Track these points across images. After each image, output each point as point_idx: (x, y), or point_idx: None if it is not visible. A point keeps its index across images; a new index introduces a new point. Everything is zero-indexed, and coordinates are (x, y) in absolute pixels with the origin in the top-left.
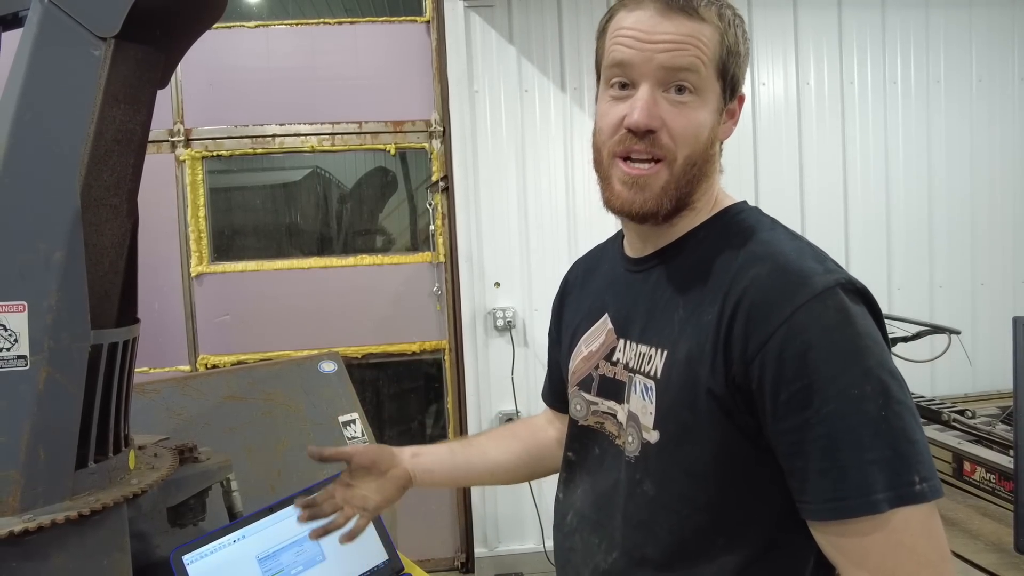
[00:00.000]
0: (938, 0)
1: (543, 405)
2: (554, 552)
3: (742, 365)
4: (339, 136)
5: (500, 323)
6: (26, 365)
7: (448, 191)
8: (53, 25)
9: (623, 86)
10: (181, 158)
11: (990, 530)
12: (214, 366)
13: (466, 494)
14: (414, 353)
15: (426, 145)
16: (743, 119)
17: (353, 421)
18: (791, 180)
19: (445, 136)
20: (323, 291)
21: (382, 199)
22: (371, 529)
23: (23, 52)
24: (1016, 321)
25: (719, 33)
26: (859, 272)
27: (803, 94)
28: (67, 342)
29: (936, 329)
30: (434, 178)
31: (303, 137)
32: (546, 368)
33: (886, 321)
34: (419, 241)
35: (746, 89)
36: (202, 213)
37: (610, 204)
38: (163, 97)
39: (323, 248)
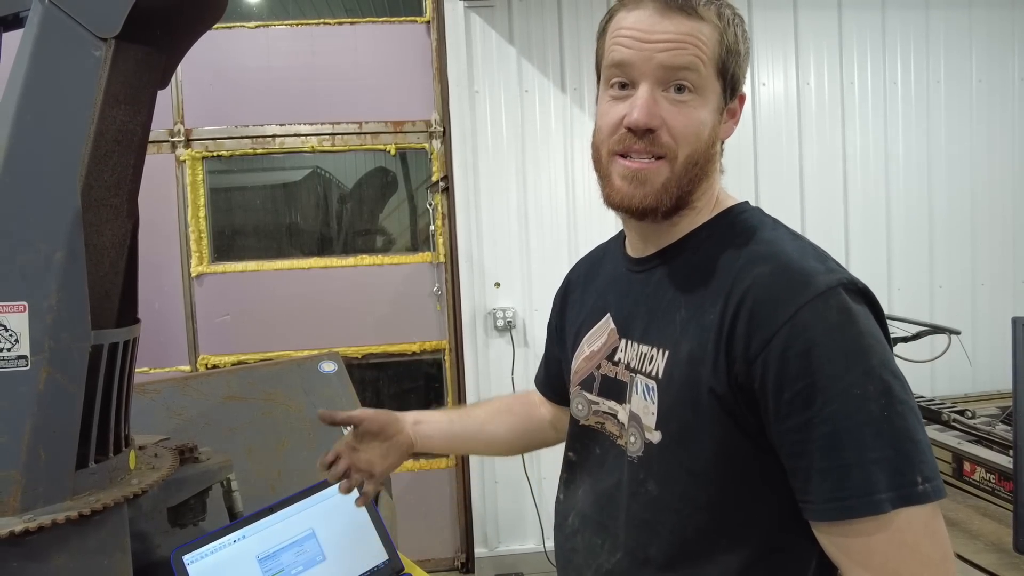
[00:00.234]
0: (938, 1)
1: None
2: (555, 553)
3: (744, 364)
4: (339, 136)
5: (500, 323)
6: (27, 365)
7: (448, 191)
8: (54, 26)
9: (623, 86)
10: (181, 158)
11: (990, 530)
12: (214, 366)
13: (466, 494)
14: (414, 353)
15: (426, 145)
16: (743, 120)
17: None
18: (791, 181)
19: (445, 136)
20: (323, 291)
21: (382, 199)
22: (371, 529)
23: (24, 53)
24: (1015, 321)
25: (718, 32)
26: (859, 272)
27: (803, 95)
28: (67, 342)
29: (936, 329)
30: (434, 178)
31: (303, 137)
32: (542, 360)
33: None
34: (419, 241)
35: (746, 90)
36: (202, 213)
37: (610, 200)
38: (163, 97)
39: (323, 248)
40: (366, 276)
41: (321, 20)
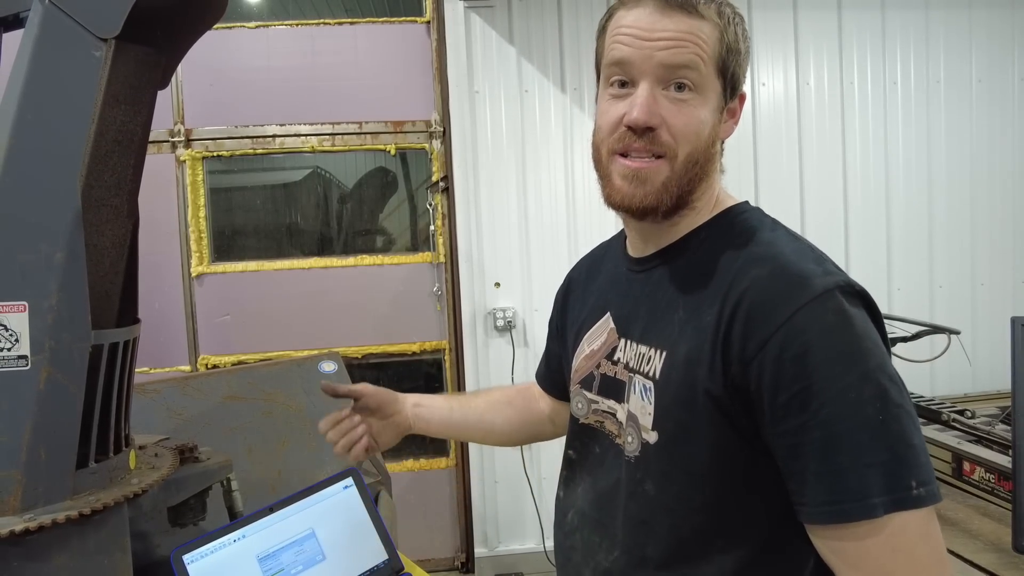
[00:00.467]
0: (938, 1)
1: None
2: (555, 550)
3: (740, 366)
4: (339, 136)
5: (500, 323)
6: (27, 365)
7: (448, 191)
8: (54, 26)
9: (623, 84)
10: (181, 158)
11: (990, 530)
12: (214, 366)
13: (466, 494)
14: (414, 353)
15: (426, 145)
16: (743, 120)
17: None
18: (791, 181)
19: (445, 136)
20: (323, 291)
21: (382, 199)
22: (371, 528)
23: (24, 53)
24: (1014, 321)
25: (719, 31)
26: (859, 272)
27: (803, 95)
28: (68, 342)
29: (936, 329)
30: (434, 178)
31: (303, 137)
32: (543, 355)
33: (886, 321)
34: (419, 241)
35: (746, 90)
36: (202, 213)
37: (610, 200)
38: (163, 97)
39: (323, 248)
40: (366, 276)
41: (321, 20)
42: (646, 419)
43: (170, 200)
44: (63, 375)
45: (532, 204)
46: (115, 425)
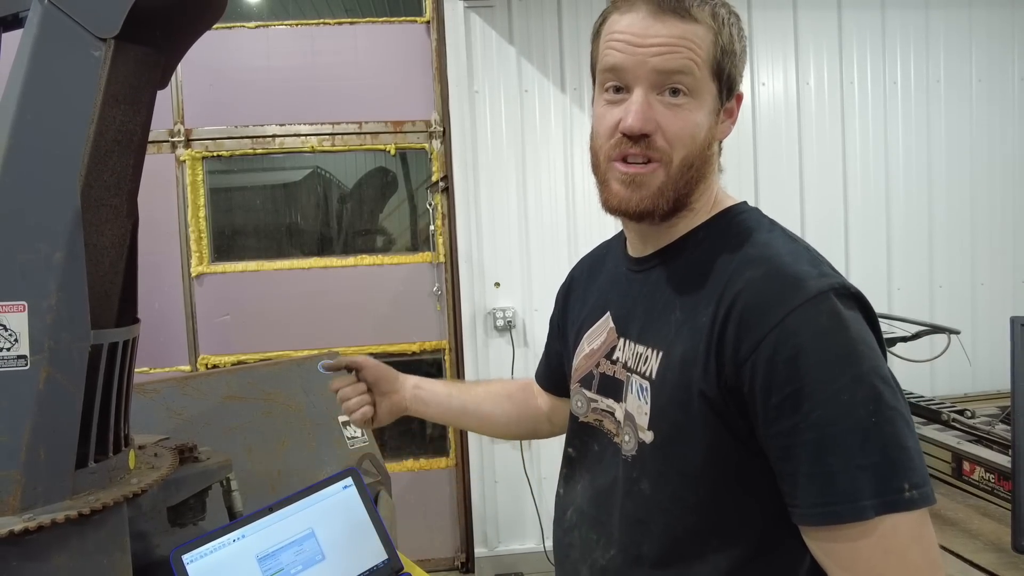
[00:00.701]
0: (938, 1)
1: None
2: (553, 547)
3: (734, 368)
4: (339, 136)
5: (500, 323)
6: (26, 365)
7: (448, 191)
8: (53, 26)
9: (617, 90)
10: (181, 158)
11: (989, 529)
12: (214, 366)
13: (466, 494)
14: (414, 353)
15: (426, 145)
16: (743, 119)
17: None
18: (791, 180)
19: (445, 136)
20: (323, 291)
21: (382, 199)
22: (370, 528)
23: (23, 53)
24: (1014, 321)
25: (713, 33)
26: (858, 272)
27: (803, 94)
28: (67, 342)
29: (936, 329)
30: (434, 178)
31: (303, 137)
32: (543, 353)
33: (885, 321)
34: (419, 241)
35: (746, 89)
36: (202, 213)
37: (608, 204)
38: (163, 97)
39: (323, 248)
40: (366, 276)
41: (321, 20)
42: (642, 419)
43: (170, 200)
44: (62, 375)
45: (532, 204)
46: (115, 425)
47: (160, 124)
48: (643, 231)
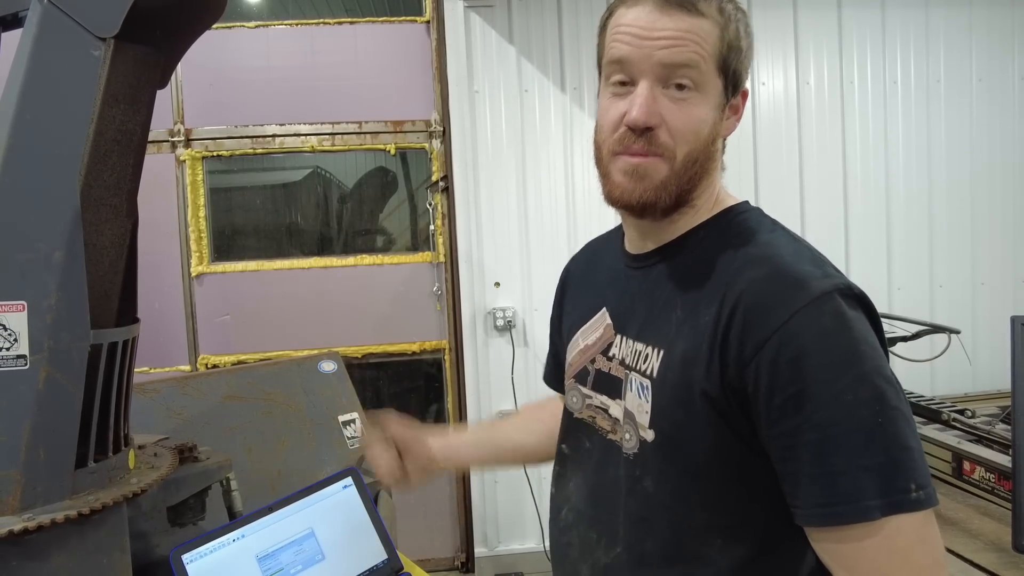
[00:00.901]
0: (938, 0)
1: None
2: (550, 546)
3: (737, 368)
4: (339, 136)
5: (500, 323)
6: (26, 365)
7: (448, 191)
8: (53, 25)
9: (623, 83)
10: (181, 158)
11: (990, 529)
12: (214, 366)
13: (466, 494)
14: (414, 353)
15: (426, 145)
16: (743, 118)
17: (353, 421)
18: (791, 180)
19: (445, 136)
20: (323, 291)
21: (382, 199)
22: (370, 528)
23: (23, 52)
24: (1015, 320)
25: (719, 28)
26: (859, 271)
27: (803, 94)
28: (67, 342)
29: (936, 328)
30: (434, 178)
31: (303, 137)
32: (548, 354)
33: (886, 321)
34: (419, 241)
35: (747, 87)
36: (202, 213)
37: (610, 196)
38: (163, 97)
39: (323, 248)
40: (366, 276)
41: (321, 20)
42: (643, 417)
43: (170, 200)
44: (62, 375)
45: (532, 204)
46: (114, 425)
47: (160, 124)
48: (643, 227)
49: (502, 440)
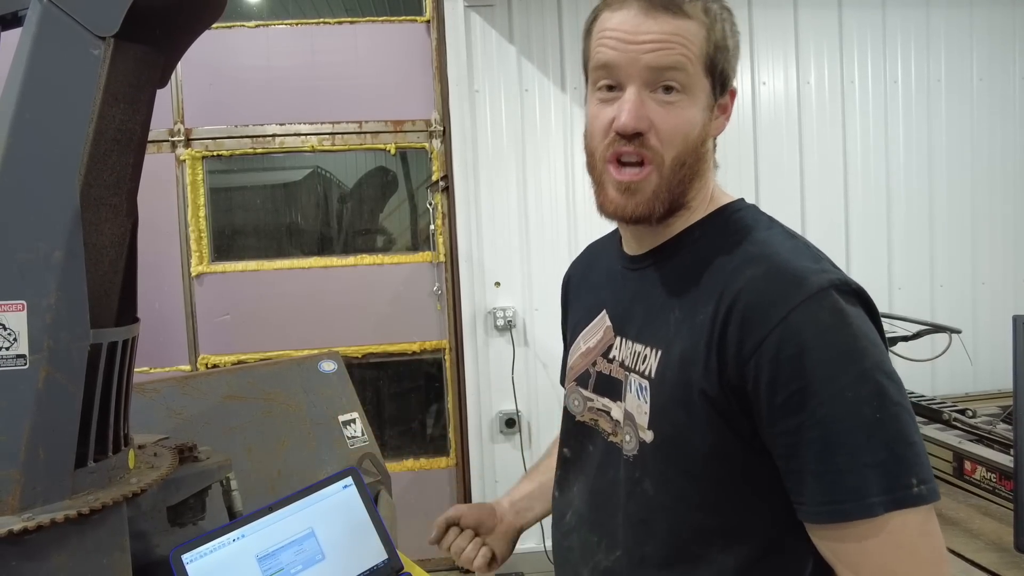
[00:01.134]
0: (939, 0)
1: (544, 405)
2: (553, 550)
3: (736, 367)
4: (339, 136)
5: (500, 323)
6: (25, 364)
7: (448, 191)
8: (52, 24)
9: (610, 88)
10: (181, 158)
11: (991, 529)
12: (214, 366)
13: (466, 494)
14: (414, 353)
15: (426, 145)
16: (744, 118)
17: (353, 421)
18: (791, 179)
19: (445, 136)
20: (323, 291)
21: (382, 199)
22: (371, 528)
23: (22, 51)
24: (1016, 320)
25: (705, 29)
26: (859, 271)
27: (803, 93)
28: (66, 341)
29: (937, 328)
30: (434, 178)
31: (303, 137)
32: (563, 357)
33: (886, 320)
34: (419, 241)
35: (746, 88)
36: (202, 213)
37: (604, 209)
38: (163, 97)
39: (323, 248)
40: (366, 276)
41: (321, 20)
42: (642, 418)
43: (170, 200)
44: (62, 374)
45: (532, 203)
46: (114, 424)
47: (160, 124)
48: (638, 231)
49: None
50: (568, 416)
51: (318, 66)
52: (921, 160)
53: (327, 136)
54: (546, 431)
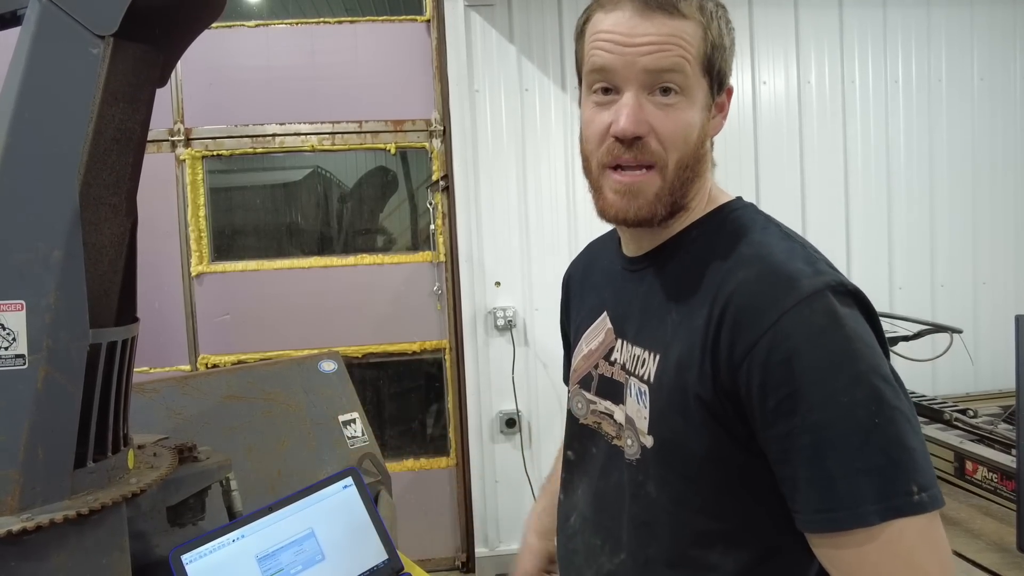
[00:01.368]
0: None
1: (545, 405)
2: (557, 553)
3: (729, 372)
4: (339, 135)
5: (500, 322)
6: (24, 364)
7: (448, 190)
8: (51, 23)
9: (606, 91)
10: (181, 157)
11: (992, 529)
12: (214, 365)
13: (467, 494)
14: (414, 353)
15: (426, 144)
16: (744, 118)
17: (353, 421)
18: (792, 179)
19: (445, 135)
20: (323, 291)
21: (382, 198)
22: (371, 528)
23: (21, 50)
24: (1019, 319)
25: (702, 28)
26: (860, 271)
27: (804, 93)
28: (66, 341)
29: (938, 328)
30: (434, 177)
31: (303, 136)
32: (565, 360)
33: (887, 320)
34: (419, 240)
35: (747, 88)
36: (202, 212)
37: (604, 214)
38: (163, 96)
39: (323, 248)
40: (366, 275)
41: (321, 19)
42: (642, 423)
43: (170, 199)
44: (61, 374)
45: (532, 203)
46: (114, 424)
47: (160, 123)
48: (637, 233)
49: None
50: (572, 419)
51: (318, 66)
52: (922, 159)
53: (327, 136)
54: (546, 431)
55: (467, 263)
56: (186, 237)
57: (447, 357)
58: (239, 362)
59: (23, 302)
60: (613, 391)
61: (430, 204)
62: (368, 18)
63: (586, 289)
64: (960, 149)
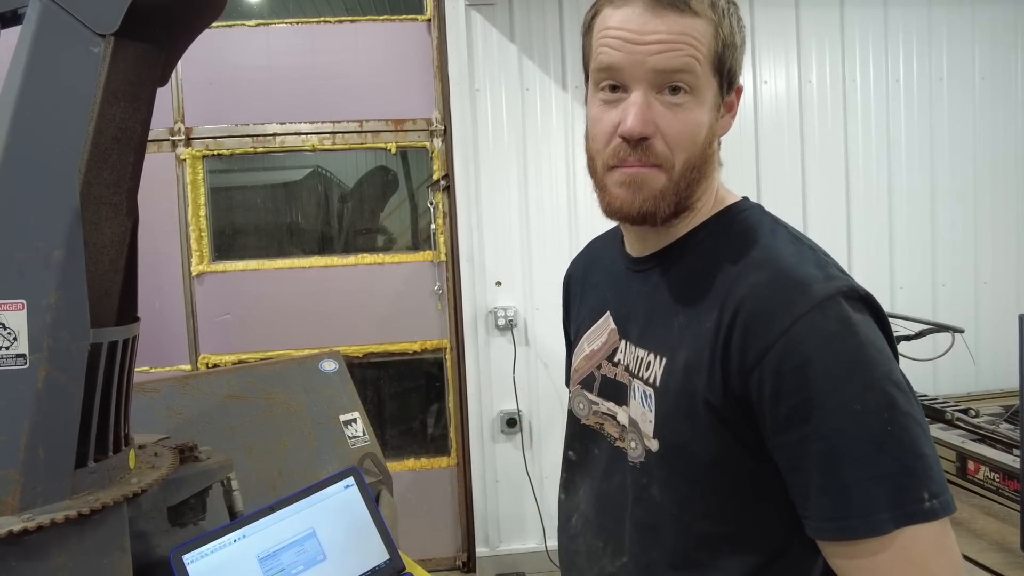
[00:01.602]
0: None
1: (546, 404)
2: (559, 554)
3: (740, 377)
4: (340, 135)
5: (501, 322)
6: (25, 364)
7: (449, 190)
8: (52, 22)
9: (613, 88)
10: (182, 157)
11: (994, 529)
12: (215, 365)
13: (468, 493)
14: (415, 352)
15: (427, 144)
16: (745, 117)
17: (354, 420)
18: (793, 178)
19: (446, 135)
20: (324, 290)
21: (383, 198)
22: (372, 528)
23: (22, 49)
24: (1022, 319)
25: (713, 26)
26: (861, 270)
27: (805, 92)
28: (66, 341)
29: (939, 328)
30: (435, 177)
31: (304, 136)
32: (566, 358)
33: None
34: (420, 240)
35: (748, 87)
36: (203, 212)
37: (609, 208)
38: (164, 96)
39: (324, 247)
40: (367, 275)
41: (322, 18)
42: (647, 426)
43: (170, 199)
44: (62, 374)
45: (533, 202)
46: (114, 424)
47: (160, 123)
48: (642, 232)
49: None
50: (573, 419)
51: (318, 65)
52: (923, 159)
53: (327, 135)
54: (547, 431)
55: (468, 263)
56: (187, 237)
57: (448, 357)
58: (240, 362)
59: (24, 301)
60: (616, 392)
61: (431, 204)
62: (369, 17)
63: (587, 288)
64: (961, 148)
